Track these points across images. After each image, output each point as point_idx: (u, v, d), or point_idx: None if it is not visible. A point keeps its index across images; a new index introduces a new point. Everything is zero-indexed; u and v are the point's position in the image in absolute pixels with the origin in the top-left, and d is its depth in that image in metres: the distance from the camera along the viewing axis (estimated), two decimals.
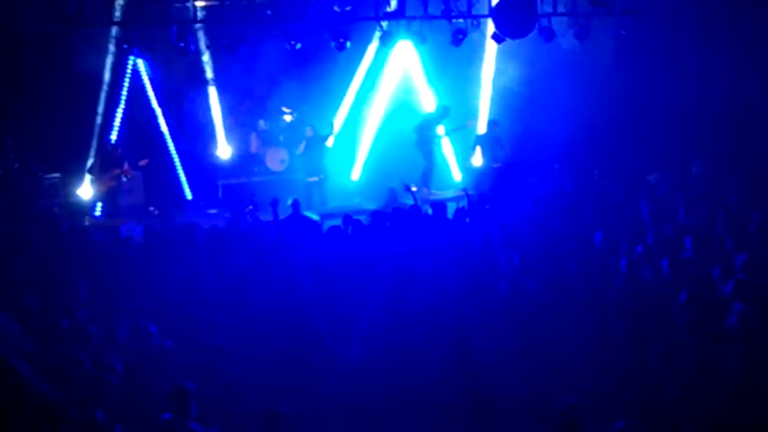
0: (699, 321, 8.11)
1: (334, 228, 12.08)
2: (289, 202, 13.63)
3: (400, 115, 18.08)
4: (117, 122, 16.28)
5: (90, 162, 15.64)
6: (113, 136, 16.14)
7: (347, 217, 12.65)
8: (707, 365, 7.58)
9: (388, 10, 15.57)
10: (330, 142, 17.77)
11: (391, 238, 11.87)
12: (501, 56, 17.36)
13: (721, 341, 7.81)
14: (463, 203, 14.48)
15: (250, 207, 13.79)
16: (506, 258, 10.56)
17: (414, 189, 14.37)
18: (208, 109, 17.49)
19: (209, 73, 17.19)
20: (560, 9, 15.63)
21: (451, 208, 14.16)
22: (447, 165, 18.40)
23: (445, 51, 16.71)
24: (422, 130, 17.08)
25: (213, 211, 16.17)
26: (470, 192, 14.58)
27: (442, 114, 17.22)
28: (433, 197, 16.03)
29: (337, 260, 10.68)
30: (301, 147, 16.78)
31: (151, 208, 14.54)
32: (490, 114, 17.86)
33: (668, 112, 15.74)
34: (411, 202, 14.04)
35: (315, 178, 16.67)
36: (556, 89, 16.46)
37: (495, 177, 16.70)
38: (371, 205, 15.24)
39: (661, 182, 14.09)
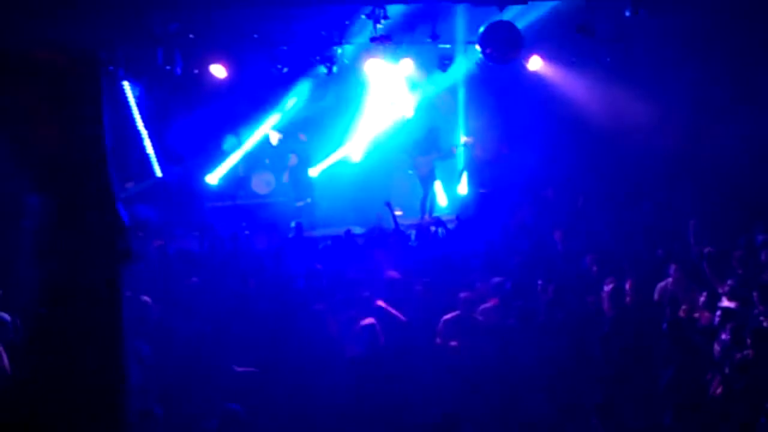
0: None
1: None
2: (293, 224, 14.01)
3: (388, 138, 18.10)
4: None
5: None
6: None
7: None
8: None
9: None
10: (315, 172, 17.90)
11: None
12: (479, 83, 17.37)
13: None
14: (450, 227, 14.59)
15: (247, 232, 13.90)
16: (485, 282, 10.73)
17: (399, 213, 14.37)
18: (195, 131, 17.45)
19: None
20: None
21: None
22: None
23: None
24: (416, 155, 17.07)
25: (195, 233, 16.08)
26: (444, 219, 14.78)
27: (433, 137, 17.20)
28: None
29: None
30: (286, 175, 16.81)
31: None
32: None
33: (650, 141, 15.79)
34: (392, 225, 14.10)
35: (302, 203, 16.67)
36: (536, 116, 16.58)
37: (480, 203, 16.78)
38: (357, 230, 15.23)
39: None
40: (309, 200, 16.79)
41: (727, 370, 7.65)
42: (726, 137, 14.58)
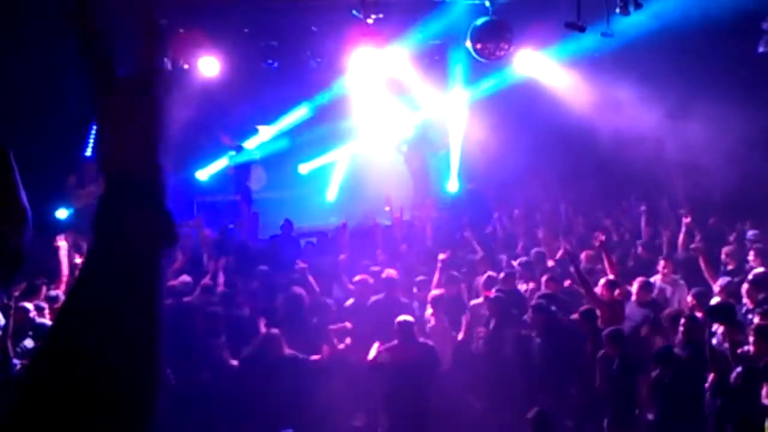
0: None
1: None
2: (282, 222, 14.18)
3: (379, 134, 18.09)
4: (92, 138, 16.15)
5: (69, 179, 15.49)
6: (88, 152, 16.02)
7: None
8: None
9: None
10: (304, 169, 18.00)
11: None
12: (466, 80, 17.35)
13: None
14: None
15: (231, 225, 14.00)
16: None
17: (387, 209, 14.39)
18: (187, 127, 17.40)
19: None
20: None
21: None
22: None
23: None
24: (408, 150, 17.10)
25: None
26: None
27: (424, 132, 17.22)
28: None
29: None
30: (231, 169, 17.17)
31: None
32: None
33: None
34: (388, 222, 14.11)
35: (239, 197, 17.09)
36: (524, 112, 16.66)
37: (469, 198, 16.87)
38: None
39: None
40: (238, 197, 17.14)
41: (723, 365, 7.68)
42: (714, 132, 14.63)
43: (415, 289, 10.78)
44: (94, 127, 1.44)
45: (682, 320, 8.33)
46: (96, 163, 1.45)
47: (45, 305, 9.21)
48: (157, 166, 1.44)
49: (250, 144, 18.36)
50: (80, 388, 1.26)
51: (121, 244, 1.35)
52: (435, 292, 9.91)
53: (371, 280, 10.63)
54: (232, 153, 17.32)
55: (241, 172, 17.34)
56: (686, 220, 12.13)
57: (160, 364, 1.36)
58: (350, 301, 10.41)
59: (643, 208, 13.48)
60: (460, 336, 9.69)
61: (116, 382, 1.29)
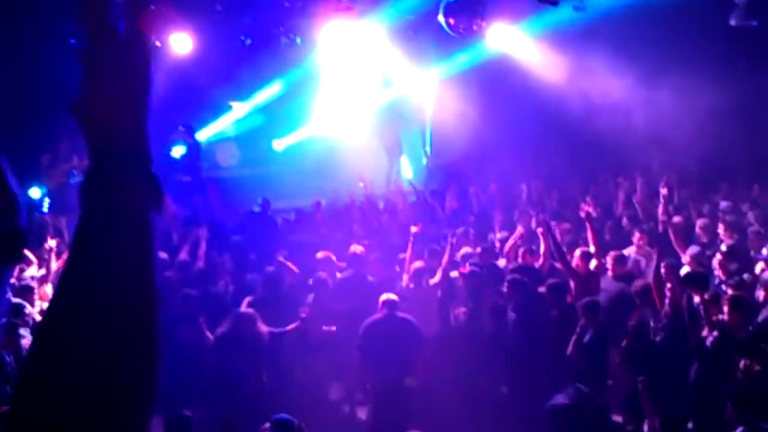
0: None
1: None
2: (259, 200, 14.12)
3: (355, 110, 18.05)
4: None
5: (42, 157, 15.34)
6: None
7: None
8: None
9: None
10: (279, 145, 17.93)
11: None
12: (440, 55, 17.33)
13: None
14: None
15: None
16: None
17: (361, 185, 14.39)
18: (159, 104, 17.27)
19: None
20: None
21: None
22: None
23: None
24: (381, 125, 17.07)
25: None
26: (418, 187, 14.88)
27: (398, 107, 17.18)
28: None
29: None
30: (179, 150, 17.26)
31: None
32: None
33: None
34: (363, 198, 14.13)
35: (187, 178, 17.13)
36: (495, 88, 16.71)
37: (444, 173, 16.90)
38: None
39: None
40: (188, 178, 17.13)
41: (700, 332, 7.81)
42: (685, 104, 14.74)
43: (397, 268, 10.76)
44: (81, 83, 1.43)
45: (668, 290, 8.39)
46: (78, 122, 1.45)
47: (34, 285, 9.15)
48: (145, 130, 1.46)
49: (202, 133, 18.34)
50: (81, 357, 1.28)
51: (113, 207, 1.37)
52: (416, 264, 9.91)
53: (334, 257, 10.61)
54: (183, 142, 17.29)
55: (190, 154, 17.31)
56: (663, 191, 12.10)
57: (158, 333, 1.38)
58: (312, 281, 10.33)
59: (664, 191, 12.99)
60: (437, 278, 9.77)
61: (118, 349, 1.31)
